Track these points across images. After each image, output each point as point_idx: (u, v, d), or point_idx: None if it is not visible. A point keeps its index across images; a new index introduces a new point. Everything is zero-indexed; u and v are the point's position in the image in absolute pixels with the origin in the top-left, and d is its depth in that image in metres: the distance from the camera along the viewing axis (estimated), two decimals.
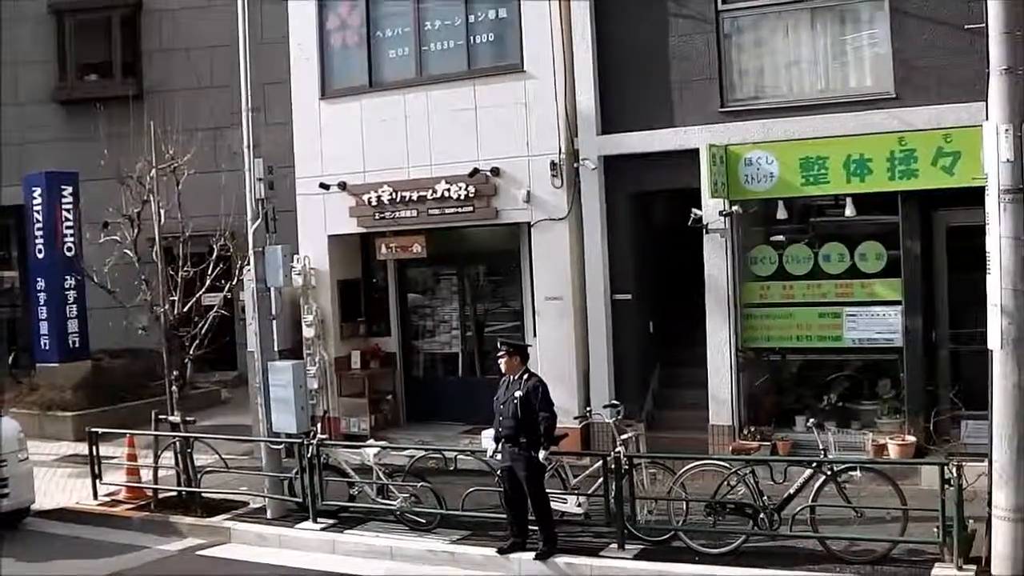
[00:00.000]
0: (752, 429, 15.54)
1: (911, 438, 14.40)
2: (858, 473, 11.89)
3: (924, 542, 11.25)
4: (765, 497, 12.06)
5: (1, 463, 14.90)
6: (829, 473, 11.74)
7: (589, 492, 13.18)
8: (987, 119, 10.49)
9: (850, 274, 15.25)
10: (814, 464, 11.99)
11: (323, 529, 14.04)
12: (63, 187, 21.81)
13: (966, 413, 13.75)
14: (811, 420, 12.99)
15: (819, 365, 15.90)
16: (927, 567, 10.96)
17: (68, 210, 21.75)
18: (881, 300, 14.99)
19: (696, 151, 15.30)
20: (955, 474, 10.72)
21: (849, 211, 15.13)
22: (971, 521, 11.03)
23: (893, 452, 14.31)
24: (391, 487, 14.09)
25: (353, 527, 14.04)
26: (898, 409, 15.00)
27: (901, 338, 14.76)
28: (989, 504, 10.73)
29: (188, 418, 15.75)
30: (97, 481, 16.01)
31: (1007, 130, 10.24)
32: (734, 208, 15.46)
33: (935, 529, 10.99)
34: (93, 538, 14.84)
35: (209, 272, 15.64)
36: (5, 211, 26.25)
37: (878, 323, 14.97)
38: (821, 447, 12.17)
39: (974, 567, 10.74)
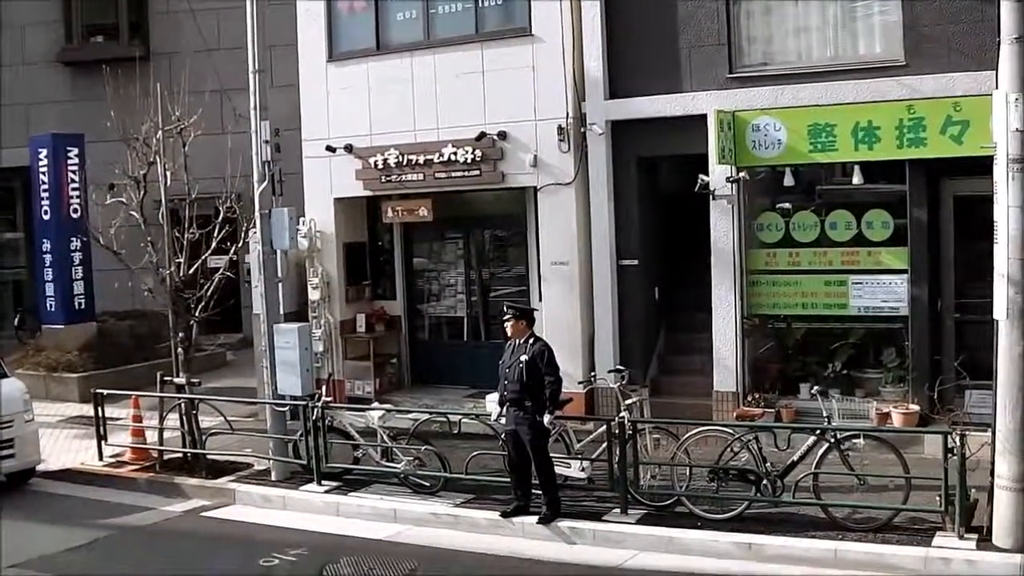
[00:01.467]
0: (756, 396, 15.57)
1: (915, 407, 14.42)
2: (861, 441, 11.89)
3: (926, 511, 11.27)
4: (768, 464, 12.08)
5: (7, 424, 14.93)
6: (833, 441, 11.76)
7: (593, 457, 13.20)
8: (997, 88, 10.44)
9: (856, 242, 15.23)
10: (818, 431, 12.00)
11: (327, 491, 14.09)
12: (69, 149, 21.76)
13: (970, 383, 13.72)
14: (815, 388, 13.00)
15: (824, 333, 15.88)
16: (929, 536, 10.98)
17: (74, 172, 21.70)
18: (887, 269, 14.97)
19: (704, 117, 15.26)
20: (958, 443, 10.73)
21: (857, 179, 15.10)
22: (973, 491, 11.04)
23: (897, 421, 14.34)
24: (395, 450, 14.13)
25: (357, 490, 14.09)
26: (902, 378, 15.01)
27: (907, 307, 14.76)
28: (992, 474, 10.75)
29: (193, 380, 15.79)
30: (102, 442, 16.07)
31: (1017, 99, 10.19)
32: (741, 174, 15.42)
33: (937, 498, 11.03)
34: (98, 499, 14.92)
35: (215, 234, 15.60)
36: (11, 173, 26.22)
37: (884, 291, 14.96)
38: (825, 415, 12.18)
39: (976, 536, 10.77)
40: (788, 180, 15.66)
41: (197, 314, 15.75)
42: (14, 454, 15.04)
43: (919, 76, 14.19)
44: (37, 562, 12.10)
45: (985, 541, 10.66)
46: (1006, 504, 10.50)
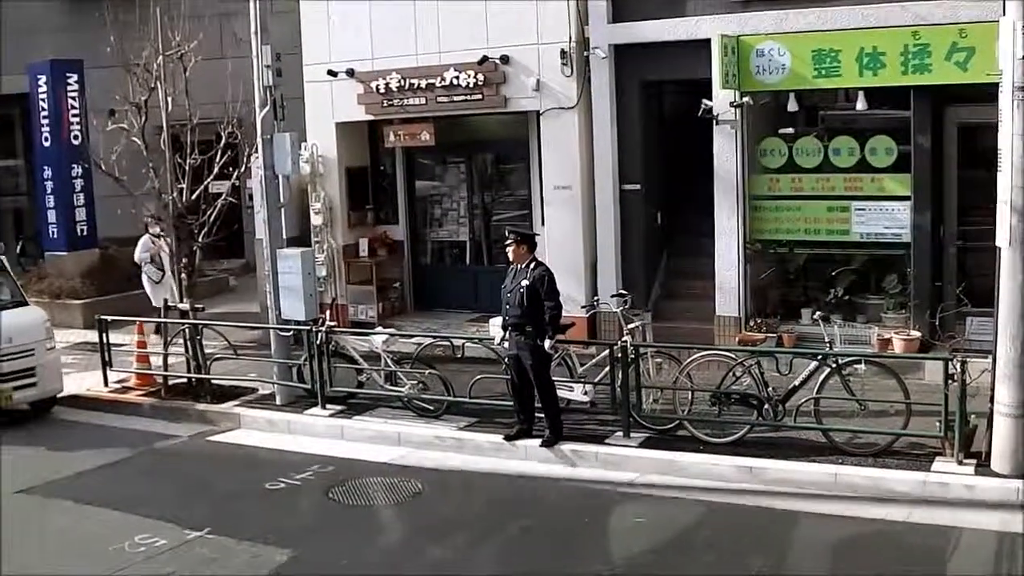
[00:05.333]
0: (758, 321, 15.63)
1: (916, 333, 14.49)
2: (863, 367, 11.96)
3: (926, 436, 11.34)
4: (770, 388, 12.15)
5: (28, 352, 14.91)
6: (834, 366, 11.82)
7: (595, 381, 13.27)
8: (1004, 15, 10.36)
9: (859, 168, 15.20)
10: (819, 357, 12.07)
11: (332, 415, 14.21)
12: (68, 75, 21.60)
13: (971, 310, 13.76)
14: (817, 313, 13.08)
15: (826, 259, 15.91)
16: (928, 460, 11.08)
17: (73, 98, 21.57)
18: (890, 195, 14.96)
19: (708, 41, 15.14)
20: (958, 369, 10.77)
21: (860, 105, 15.02)
22: (973, 416, 11.12)
23: (898, 347, 14.41)
24: (399, 374, 14.22)
25: (361, 413, 14.20)
26: (904, 304, 15.06)
27: (909, 234, 14.77)
28: (991, 400, 10.81)
29: (197, 305, 15.84)
30: (107, 368, 16.16)
31: (1023, 26, 10.13)
32: (745, 100, 15.36)
33: (937, 423, 11.09)
34: (103, 424, 15.09)
35: (217, 160, 15.57)
36: (9, 100, 26.08)
37: (886, 218, 14.96)
38: (827, 340, 12.25)
39: (974, 461, 10.85)
40: (792, 105, 15.59)
41: (200, 240, 15.76)
42: (36, 383, 15.01)
43: (925, 1, 14.05)
44: (44, 487, 12.24)
45: (983, 467, 10.75)
46: (1005, 430, 10.58)
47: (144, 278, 19.38)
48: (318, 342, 14.21)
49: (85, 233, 22.05)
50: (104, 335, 16.03)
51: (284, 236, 15.19)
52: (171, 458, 13.55)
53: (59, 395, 15.70)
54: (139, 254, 19.25)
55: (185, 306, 15.66)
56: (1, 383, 14.58)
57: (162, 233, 16.47)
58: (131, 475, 12.79)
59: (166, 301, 16.01)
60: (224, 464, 13.12)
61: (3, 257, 16.40)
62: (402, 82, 17.79)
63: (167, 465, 13.25)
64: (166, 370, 15.88)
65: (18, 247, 25.61)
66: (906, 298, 15.02)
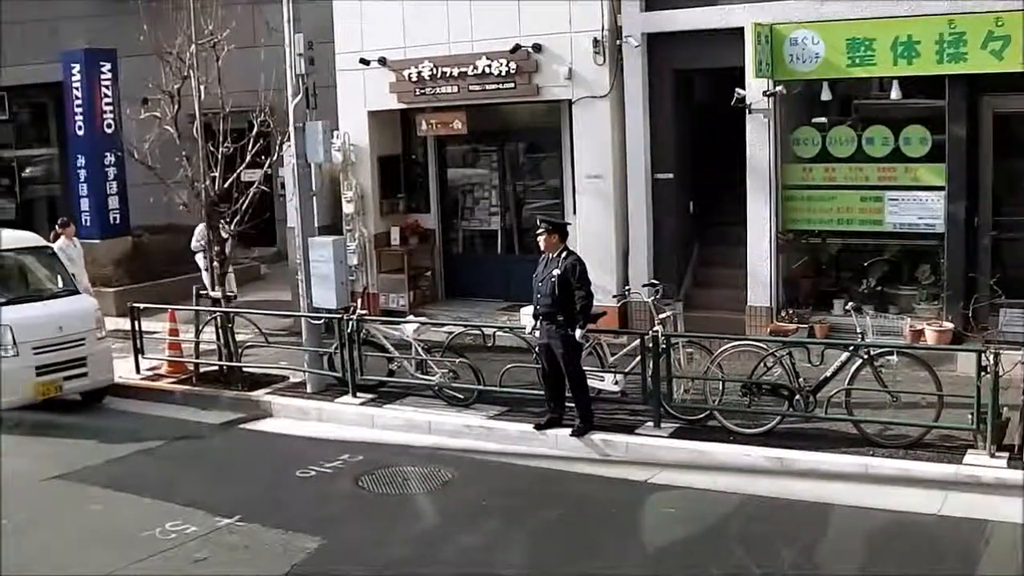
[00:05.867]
0: (790, 311, 15.56)
1: (949, 324, 14.39)
2: (895, 358, 11.90)
3: (958, 428, 11.28)
4: (801, 379, 12.12)
5: (79, 342, 14.77)
6: (866, 357, 11.75)
7: (626, 370, 13.26)
8: None
9: (893, 158, 15.10)
10: (851, 348, 12.00)
11: (362, 404, 14.25)
12: (101, 64, 21.73)
13: (1005, 301, 13.68)
14: (849, 304, 12.96)
15: (859, 249, 15.84)
16: (960, 453, 11.01)
17: (107, 87, 21.71)
18: (924, 185, 14.86)
19: (741, 30, 15.08)
20: (991, 361, 10.70)
21: (895, 94, 14.92)
22: (1005, 409, 11.04)
23: (930, 338, 14.31)
24: (430, 363, 14.25)
25: (392, 402, 14.24)
26: (937, 295, 14.97)
27: (943, 224, 14.66)
28: None
29: (228, 293, 15.90)
30: (139, 356, 16.24)
31: None
32: (778, 88, 15.28)
33: (969, 416, 11.01)
34: (135, 411, 15.20)
35: (249, 148, 15.61)
36: (43, 89, 26.23)
37: (920, 208, 14.85)
38: (859, 331, 12.18)
39: (1006, 454, 10.78)
40: (825, 94, 15.52)
41: (232, 228, 15.81)
42: (87, 373, 14.86)
43: None
44: (76, 473, 12.31)
45: (1016, 459, 10.67)
46: None
47: (201, 266, 19.17)
48: (349, 330, 14.24)
49: (118, 221, 22.18)
50: (136, 323, 16.13)
51: (316, 224, 15.23)
52: (202, 445, 13.62)
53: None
54: (195, 243, 19.02)
55: (217, 294, 15.72)
56: (51, 373, 14.42)
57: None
58: (162, 462, 12.85)
59: (198, 289, 16.06)
60: (254, 452, 13.18)
61: (54, 246, 16.47)
62: (434, 70, 17.78)
63: (198, 452, 13.32)
64: (197, 358, 15.95)
65: (51, 235, 25.74)
66: (939, 289, 14.92)
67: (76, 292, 15.68)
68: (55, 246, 17.56)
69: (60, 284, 15.59)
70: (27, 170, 29.68)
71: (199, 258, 19.05)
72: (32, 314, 14.53)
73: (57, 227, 19.09)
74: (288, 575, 9.31)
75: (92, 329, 15.05)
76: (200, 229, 18.33)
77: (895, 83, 14.88)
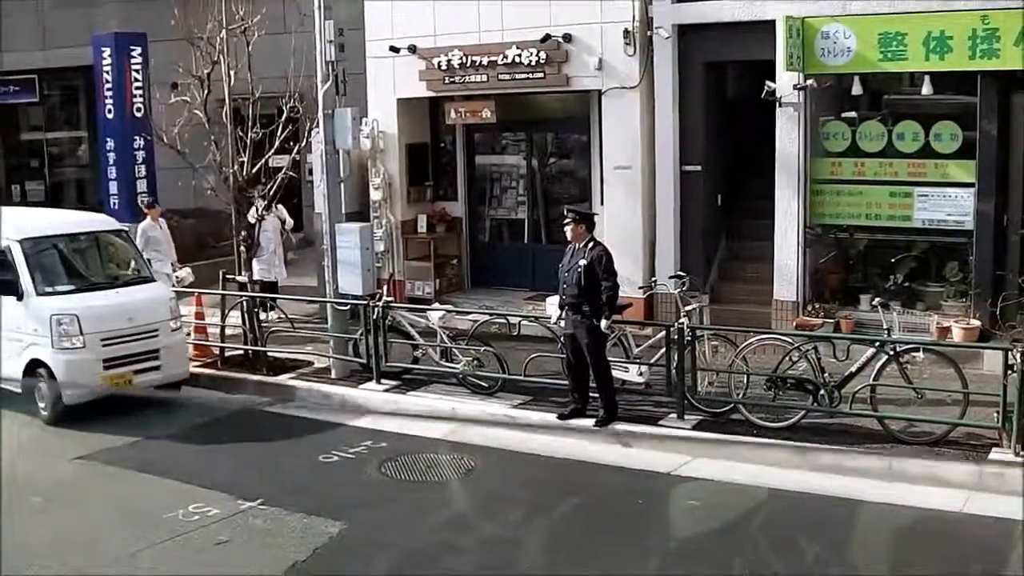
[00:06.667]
0: (816, 306, 15.52)
1: (976, 322, 14.32)
2: (921, 355, 11.84)
3: (983, 426, 11.24)
4: (826, 374, 12.08)
5: (150, 333, 14.07)
6: (892, 353, 11.71)
7: (651, 362, 13.27)
8: None
9: (923, 154, 15.02)
10: (877, 343, 11.96)
11: (387, 390, 14.28)
12: (132, 48, 21.80)
13: None
14: (876, 299, 12.94)
15: (887, 244, 15.77)
16: (984, 451, 10.97)
17: (137, 71, 21.78)
18: (954, 182, 14.78)
19: (772, 23, 15.01)
20: (1018, 360, 10.64)
21: (926, 89, 14.86)
22: None
23: (957, 335, 14.24)
24: (454, 350, 14.27)
25: (416, 389, 14.28)
26: (964, 293, 14.89)
27: (972, 221, 14.59)
28: None
29: (255, 278, 15.93)
30: None
31: None
32: (808, 82, 15.22)
33: (995, 414, 10.96)
34: (163, 395, 15.08)
35: (278, 134, 15.65)
36: (73, 72, 26.35)
37: (949, 204, 14.78)
38: (885, 327, 12.13)
39: None
40: (856, 89, 15.46)
41: (260, 213, 15.84)
42: (159, 366, 14.17)
43: None
44: (100, 454, 12.41)
45: None
46: None
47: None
48: (375, 317, 14.27)
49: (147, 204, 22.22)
50: None
51: (343, 211, 15.26)
52: (226, 429, 13.67)
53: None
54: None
55: (244, 278, 15.78)
56: (121, 366, 13.79)
57: (269, 214, 16.49)
58: (186, 445, 12.87)
59: (224, 273, 16.07)
60: (278, 436, 13.20)
61: (140, 227, 15.99)
62: (464, 59, 17.78)
63: (221, 436, 13.35)
64: (223, 342, 16.01)
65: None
66: (967, 286, 14.85)
67: (150, 279, 15.00)
68: (140, 227, 17.55)
69: (133, 270, 15.01)
70: (56, 152, 29.82)
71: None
72: (101, 303, 13.90)
73: (143, 206, 18.79)
74: (310, 559, 9.35)
75: (165, 320, 14.37)
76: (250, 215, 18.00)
77: (926, 78, 14.83)
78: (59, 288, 13.98)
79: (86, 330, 13.51)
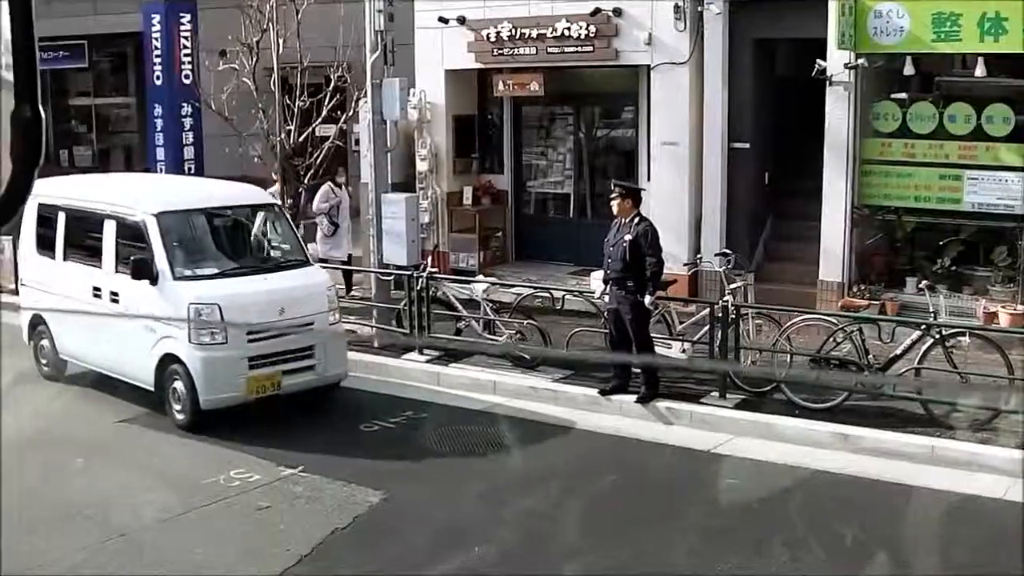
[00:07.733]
0: (862, 287, 15.40)
1: (1023, 307, 14.19)
2: (966, 339, 11.75)
3: None
4: (870, 356, 12.01)
5: (305, 327, 12.55)
6: (937, 337, 11.62)
7: (694, 339, 13.24)
8: None
9: (975, 136, 14.84)
10: (923, 327, 11.87)
11: (429, 361, 14.30)
12: (181, 15, 21.85)
13: None
14: (923, 282, 12.83)
15: (935, 227, 15.62)
16: None
17: (186, 38, 21.83)
18: (1005, 165, 14.61)
19: (824, 0, 14.88)
20: None
21: (979, 71, 14.65)
22: None
23: (1004, 320, 14.11)
24: (497, 323, 14.28)
25: (458, 361, 14.27)
26: (1012, 278, 14.74)
27: (1022, 206, 14.43)
28: None
29: (321, 257, 15.94)
30: None
31: None
32: (860, 61, 15.06)
33: None
34: None
35: (325, 103, 15.70)
36: (123, 38, 26.47)
37: (1000, 188, 14.61)
38: (931, 310, 12.05)
39: None
40: (908, 69, 15.27)
41: (306, 181, 15.90)
42: (314, 365, 12.37)
43: None
44: (143, 418, 12.44)
45: None
46: None
47: (322, 231, 17.86)
48: (418, 288, 14.29)
49: (192, 171, 22.28)
50: None
51: (389, 181, 15.29)
52: (267, 397, 13.68)
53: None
54: (318, 204, 17.53)
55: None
56: (268, 365, 12.02)
57: (343, 183, 16.39)
58: (226, 412, 12.78)
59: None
60: (319, 405, 13.23)
61: (279, 203, 14.35)
62: (513, 31, 17.73)
63: (263, 403, 13.37)
64: None
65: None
66: (1015, 271, 14.69)
67: (306, 263, 13.19)
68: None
69: (286, 252, 13.31)
70: (104, 117, 30.02)
71: (321, 220, 17.76)
72: (248, 290, 12.13)
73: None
74: (350, 526, 9.42)
75: (323, 311, 12.64)
76: (325, 190, 17.55)
77: (980, 60, 14.62)
78: (200, 272, 12.15)
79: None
